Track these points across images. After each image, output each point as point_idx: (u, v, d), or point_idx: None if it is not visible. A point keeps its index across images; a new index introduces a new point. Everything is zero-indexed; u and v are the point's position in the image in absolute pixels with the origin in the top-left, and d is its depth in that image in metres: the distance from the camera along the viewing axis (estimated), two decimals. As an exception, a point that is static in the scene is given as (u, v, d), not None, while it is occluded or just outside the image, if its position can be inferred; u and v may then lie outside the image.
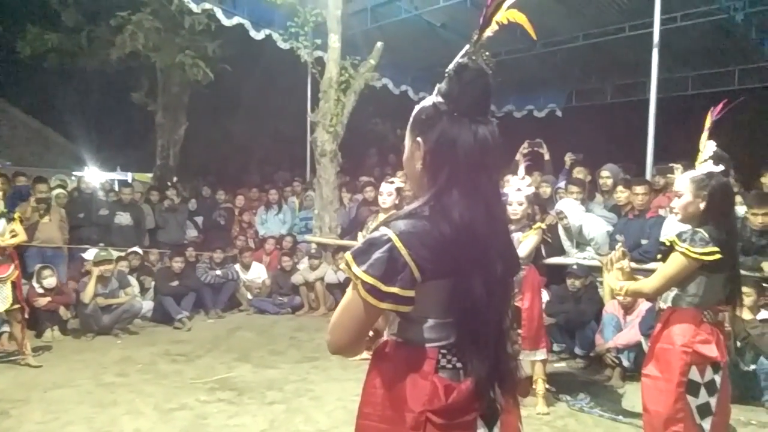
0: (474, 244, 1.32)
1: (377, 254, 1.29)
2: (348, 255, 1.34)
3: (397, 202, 5.40)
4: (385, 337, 1.50)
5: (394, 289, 1.28)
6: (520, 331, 4.26)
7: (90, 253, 7.28)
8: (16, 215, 5.48)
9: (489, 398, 1.37)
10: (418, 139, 1.41)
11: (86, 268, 7.08)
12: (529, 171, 6.45)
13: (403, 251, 1.28)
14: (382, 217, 5.43)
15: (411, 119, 1.47)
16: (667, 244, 2.73)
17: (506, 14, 1.42)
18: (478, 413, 1.35)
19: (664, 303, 2.73)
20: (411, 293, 1.30)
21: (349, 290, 1.35)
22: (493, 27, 1.42)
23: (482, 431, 1.37)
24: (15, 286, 5.33)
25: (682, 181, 2.74)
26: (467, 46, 1.41)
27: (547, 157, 7.48)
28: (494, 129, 1.39)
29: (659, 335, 2.73)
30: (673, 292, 2.67)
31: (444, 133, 1.36)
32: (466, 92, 1.37)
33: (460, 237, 1.30)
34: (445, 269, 1.31)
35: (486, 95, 1.41)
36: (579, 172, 6.82)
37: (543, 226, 4.41)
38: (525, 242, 4.20)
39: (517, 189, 4.34)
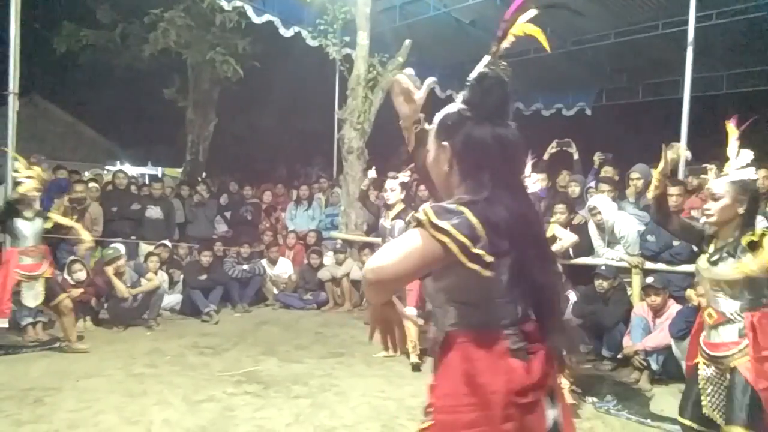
0: (525, 227, 1.44)
1: (459, 220, 1.36)
2: (427, 208, 1.38)
3: (402, 196, 5.43)
4: (431, 333, 1.58)
5: (480, 252, 1.35)
6: None
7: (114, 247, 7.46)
8: (50, 215, 5.66)
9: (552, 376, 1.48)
10: (444, 143, 1.53)
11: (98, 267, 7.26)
12: (557, 170, 6.41)
13: (477, 222, 1.36)
14: (392, 214, 5.46)
15: (436, 125, 1.59)
16: (755, 238, 2.59)
17: (522, 27, 1.55)
18: (545, 391, 1.45)
19: (733, 309, 2.66)
20: (492, 258, 1.36)
21: (414, 236, 1.37)
22: (510, 39, 1.56)
23: (548, 407, 1.45)
24: (51, 281, 5.51)
25: (720, 184, 2.68)
26: (487, 57, 1.54)
27: (576, 156, 7.39)
28: (515, 131, 1.53)
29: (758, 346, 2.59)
30: (745, 298, 2.63)
31: (470, 136, 1.49)
32: (487, 99, 1.51)
33: (512, 220, 1.41)
34: (503, 248, 1.39)
35: (505, 101, 1.54)
36: (607, 172, 6.71)
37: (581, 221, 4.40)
38: (561, 232, 4.24)
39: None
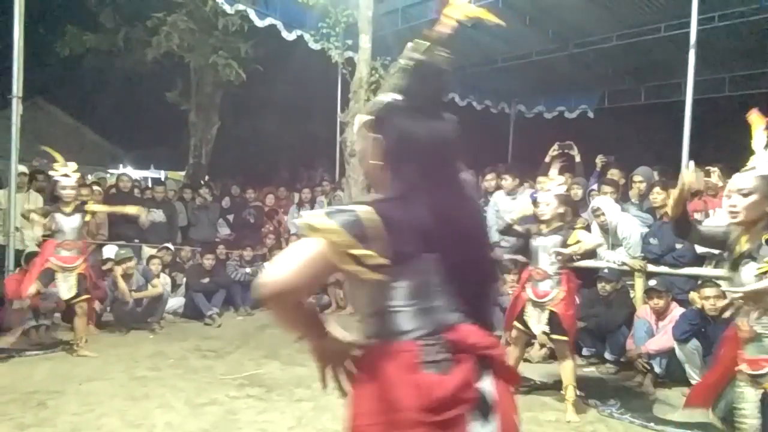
0: (452, 228, 1.34)
1: (347, 216, 1.28)
2: (311, 212, 1.32)
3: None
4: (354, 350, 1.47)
5: (370, 252, 1.26)
6: (564, 338, 4.23)
7: (109, 250, 7.50)
8: (87, 207, 5.78)
9: (479, 389, 1.33)
10: (376, 135, 1.43)
11: (107, 266, 7.32)
12: (560, 172, 6.37)
13: (378, 221, 1.27)
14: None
15: (366, 117, 1.48)
16: None
17: (464, 11, 1.44)
18: (468, 405, 1.30)
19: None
20: (384, 260, 1.28)
21: (301, 243, 1.30)
22: (449, 24, 1.42)
23: (476, 424, 1.31)
24: (84, 277, 5.62)
25: (748, 179, 2.46)
26: (421, 43, 1.42)
27: (578, 159, 7.39)
28: (450, 124, 1.42)
29: None
30: None
31: (401, 129, 1.38)
32: (421, 89, 1.40)
33: (433, 222, 1.32)
34: (410, 250, 1.31)
35: (440, 91, 1.45)
36: (614, 174, 6.69)
37: (583, 225, 4.35)
38: (587, 237, 4.20)
39: (547, 190, 4.32)
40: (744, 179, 2.48)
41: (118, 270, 6.74)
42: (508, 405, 1.41)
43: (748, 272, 2.44)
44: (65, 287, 5.53)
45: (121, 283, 6.68)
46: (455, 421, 1.28)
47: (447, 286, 1.35)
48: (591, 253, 5.71)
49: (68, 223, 5.53)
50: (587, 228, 5.82)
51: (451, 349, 1.34)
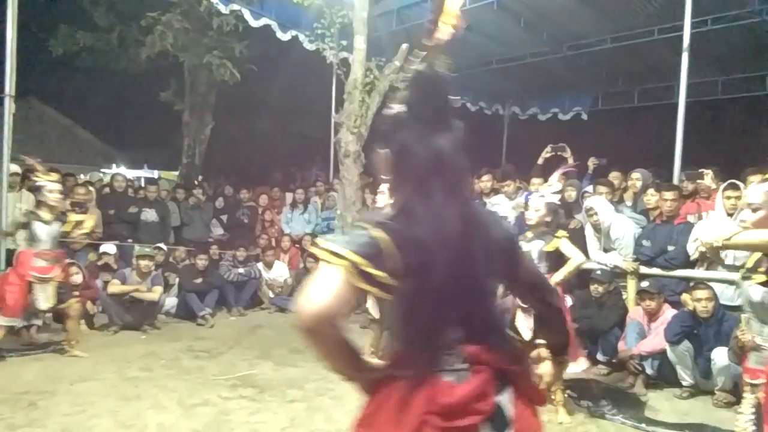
0: (445, 244, 1.33)
1: (360, 239, 1.31)
2: (325, 239, 1.35)
3: (391, 201, 5.38)
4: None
5: (381, 273, 1.28)
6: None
7: (107, 246, 7.49)
8: (70, 215, 5.73)
9: (494, 402, 1.33)
10: (382, 150, 1.45)
11: (103, 261, 7.37)
12: (551, 174, 6.36)
13: (390, 242, 1.29)
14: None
15: (375, 130, 1.48)
16: None
17: (452, 15, 1.40)
18: (481, 417, 1.31)
19: (764, 338, 2.48)
20: (395, 281, 1.30)
21: (327, 268, 1.31)
22: (445, 30, 1.39)
23: None
24: (62, 285, 5.53)
25: (758, 194, 2.38)
26: (419, 52, 1.40)
27: (570, 161, 7.41)
28: (455, 135, 1.41)
29: None
30: None
31: (403, 142, 1.39)
32: (424, 100, 1.39)
33: (437, 238, 1.32)
34: (418, 267, 1.31)
35: (444, 99, 1.42)
36: (615, 178, 6.69)
37: (566, 234, 4.31)
38: (569, 249, 4.16)
39: (540, 195, 4.27)
40: (755, 194, 2.42)
41: (141, 265, 6.84)
42: (528, 423, 1.40)
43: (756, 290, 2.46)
44: (43, 297, 5.37)
45: (128, 287, 6.75)
46: (466, 429, 1.29)
47: (452, 301, 1.35)
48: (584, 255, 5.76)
49: (46, 231, 5.37)
50: (580, 230, 5.85)
51: (469, 360, 1.34)
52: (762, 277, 2.44)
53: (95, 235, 7.88)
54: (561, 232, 4.24)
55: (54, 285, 5.43)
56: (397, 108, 1.44)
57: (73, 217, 5.80)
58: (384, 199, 5.33)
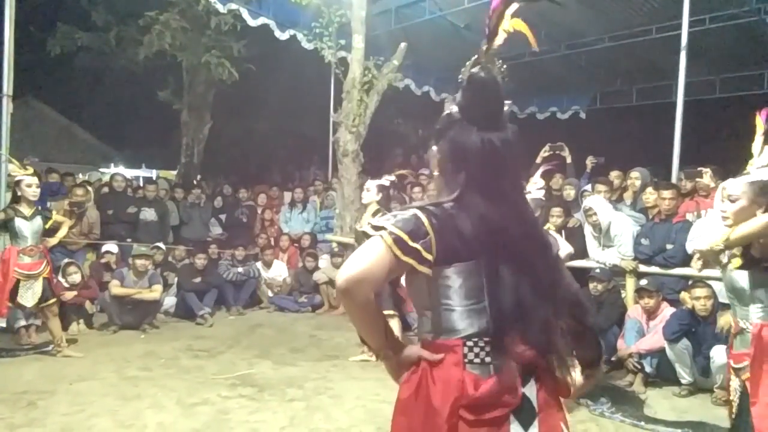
0: (499, 237, 1.39)
1: (403, 217, 1.41)
2: (374, 218, 1.45)
3: (378, 198, 5.41)
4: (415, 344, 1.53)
5: (418, 246, 1.36)
6: None
7: (110, 246, 7.49)
8: (53, 214, 5.67)
9: (521, 394, 1.37)
10: (434, 147, 1.55)
11: (105, 260, 7.34)
12: (550, 174, 6.37)
13: (426, 222, 1.39)
14: (366, 215, 5.46)
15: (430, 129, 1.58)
16: None
17: (511, 23, 1.47)
18: (509, 409, 1.35)
19: (747, 320, 2.52)
20: (430, 256, 1.37)
21: (371, 240, 1.41)
22: (502, 36, 1.47)
23: (515, 427, 1.36)
24: (48, 281, 5.47)
25: (737, 185, 2.51)
26: (476, 56, 1.47)
27: (569, 160, 7.42)
28: (507, 135, 1.47)
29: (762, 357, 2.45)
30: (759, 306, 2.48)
31: (453, 141, 1.47)
32: (476, 101, 1.46)
33: (481, 229, 1.39)
34: (459, 253, 1.39)
35: (496, 103, 1.47)
36: (616, 177, 6.69)
37: (552, 228, 4.33)
38: (560, 244, 4.17)
39: (527, 192, 4.28)
40: (734, 185, 2.54)
41: (138, 264, 6.82)
42: (552, 415, 1.44)
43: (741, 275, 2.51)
44: (30, 294, 5.34)
45: (130, 291, 6.75)
46: (493, 422, 1.34)
47: (490, 291, 1.40)
48: (583, 254, 5.77)
49: (29, 227, 5.33)
50: (579, 228, 5.86)
51: (496, 352, 1.39)
52: (739, 261, 2.49)
53: (93, 235, 7.89)
54: (571, 222, 4.25)
55: (40, 281, 5.39)
56: (449, 109, 1.51)
57: (56, 216, 5.76)
58: (370, 195, 5.38)
